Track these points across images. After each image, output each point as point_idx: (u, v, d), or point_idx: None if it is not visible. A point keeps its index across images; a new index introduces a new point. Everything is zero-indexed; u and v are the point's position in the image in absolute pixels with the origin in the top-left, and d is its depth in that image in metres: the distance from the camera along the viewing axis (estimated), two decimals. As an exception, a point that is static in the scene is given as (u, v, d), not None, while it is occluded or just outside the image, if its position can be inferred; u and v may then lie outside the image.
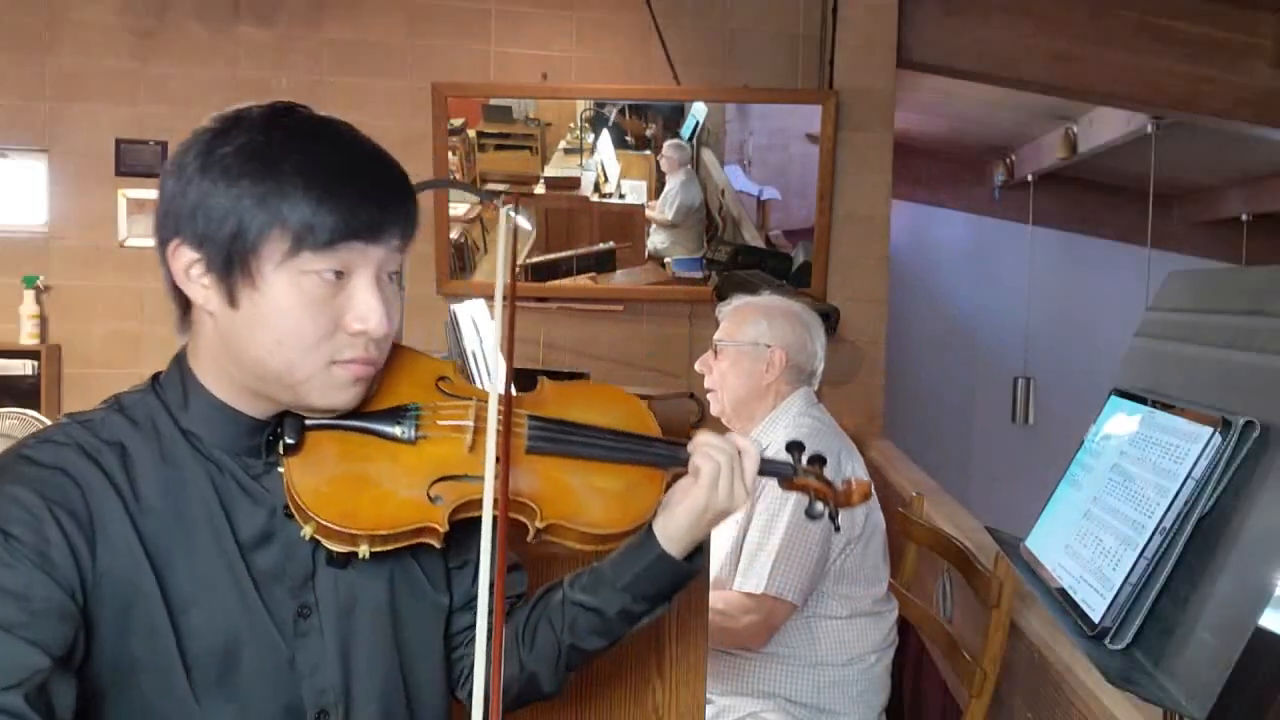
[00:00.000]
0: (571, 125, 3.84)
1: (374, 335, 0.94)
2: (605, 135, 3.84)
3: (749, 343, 2.13)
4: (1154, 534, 0.98)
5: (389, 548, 0.96)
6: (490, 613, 0.86)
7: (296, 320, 0.92)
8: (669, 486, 1.08)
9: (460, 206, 3.84)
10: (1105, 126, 4.86)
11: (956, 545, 2.06)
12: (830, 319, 3.56)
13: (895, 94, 3.87)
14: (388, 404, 1.01)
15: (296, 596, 0.98)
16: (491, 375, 1.85)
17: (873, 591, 2.05)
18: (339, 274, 0.93)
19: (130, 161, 3.73)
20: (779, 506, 1.93)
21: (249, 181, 0.90)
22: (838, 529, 1.23)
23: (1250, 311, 1.04)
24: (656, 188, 3.87)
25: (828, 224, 3.85)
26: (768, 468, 1.10)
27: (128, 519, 0.91)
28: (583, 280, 3.89)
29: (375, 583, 1.02)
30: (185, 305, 0.97)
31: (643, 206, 3.87)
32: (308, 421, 0.98)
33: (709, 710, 1.76)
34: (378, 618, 1.02)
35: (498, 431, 0.98)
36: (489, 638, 0.85)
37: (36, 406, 3.40)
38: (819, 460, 1.15)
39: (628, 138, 3.84)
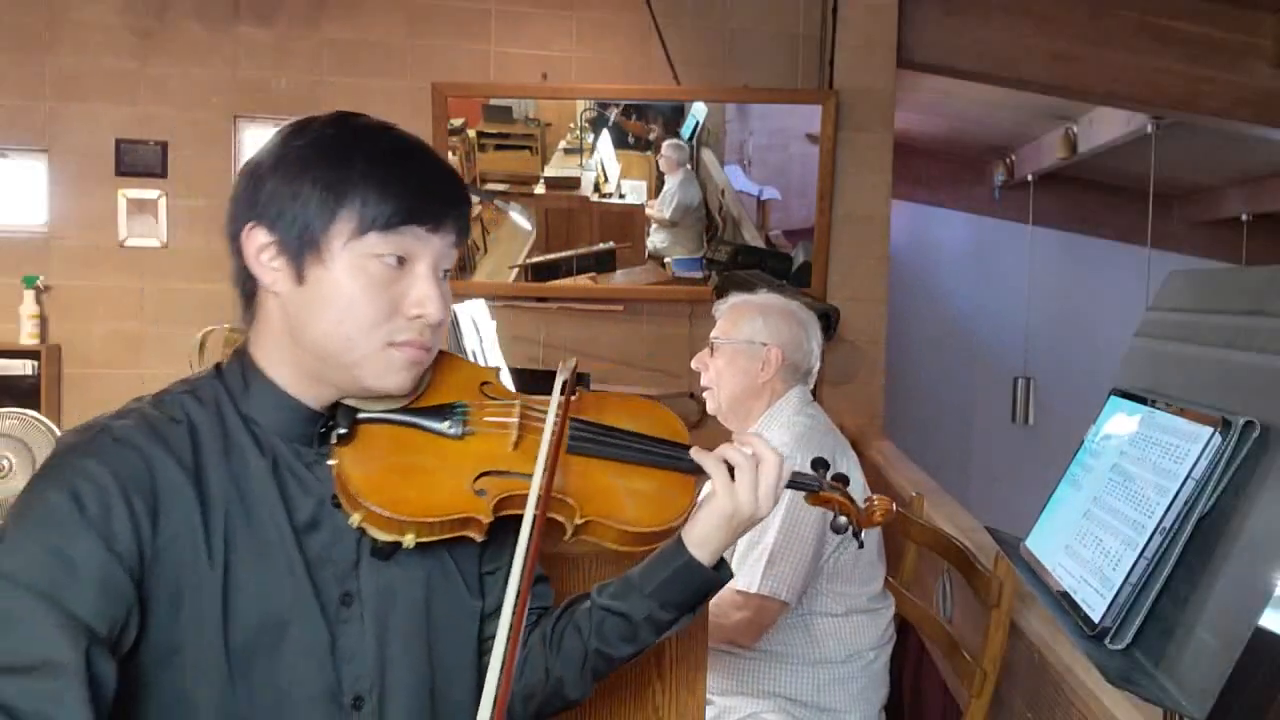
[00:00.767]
0: (571, 125, 3.84)
1: (430, 320, 1.00)
2: (605, 135, 3.84)
3: (745, 341, 2.13)
4: (1154, 534, 0.98)
5: (433, 538, 0.99)
6: (517, 594, 0.88)
7: (358, 300, 0.97)
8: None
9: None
10: (1105, 126, 4.87)
11: (956, 545, 2.06)
12: (830, 319, 3.56)
13: (895, 94, 3.87)
14: (435, 403, 1.06)
15: (340, 584, 1.01)
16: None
17: (868, 589, 2.06)
18: (400, 261, 0.98)
19: (130, 161, 3.73)
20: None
21: (321, 168, 0.97)
22: (861, 545, 1.26)
23: (1250, 311, 1.03)
24: (656, 187, 3.87)
25: (828, 224, 3.86)
26: (795, 481, 1.13)
27: (192, 496, 0.95)
28: (583, 280, 3.89)
29: (413, 581, 1.05)
30: (249, 296, 1.03)
31: (643, 206, 3.87)
32: (360, 415, 1.03)
33: (709, 711, 1.76)
34: (413, 614, 1.05)
35: (553, 431, 1.02)
36: (509, 632, 0.86)
37: (36, 406, 3.40)
38: (843, 479, 1.19)
39: (630, 138, 3.84)
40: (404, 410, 1.04)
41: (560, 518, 1.04)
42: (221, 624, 0.94)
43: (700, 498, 1.10)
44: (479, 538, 1.01)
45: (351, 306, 0.97)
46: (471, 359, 2.10)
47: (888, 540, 2.26)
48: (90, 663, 0.83)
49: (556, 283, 3.88)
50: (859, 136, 3.85)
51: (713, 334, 2.20)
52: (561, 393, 1.08)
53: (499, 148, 3.84)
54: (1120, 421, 1.20)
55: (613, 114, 3.83)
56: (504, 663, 0.83)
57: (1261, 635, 0.90)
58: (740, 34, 3.90)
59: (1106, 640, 0.99)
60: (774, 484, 1.07)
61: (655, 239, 3.89)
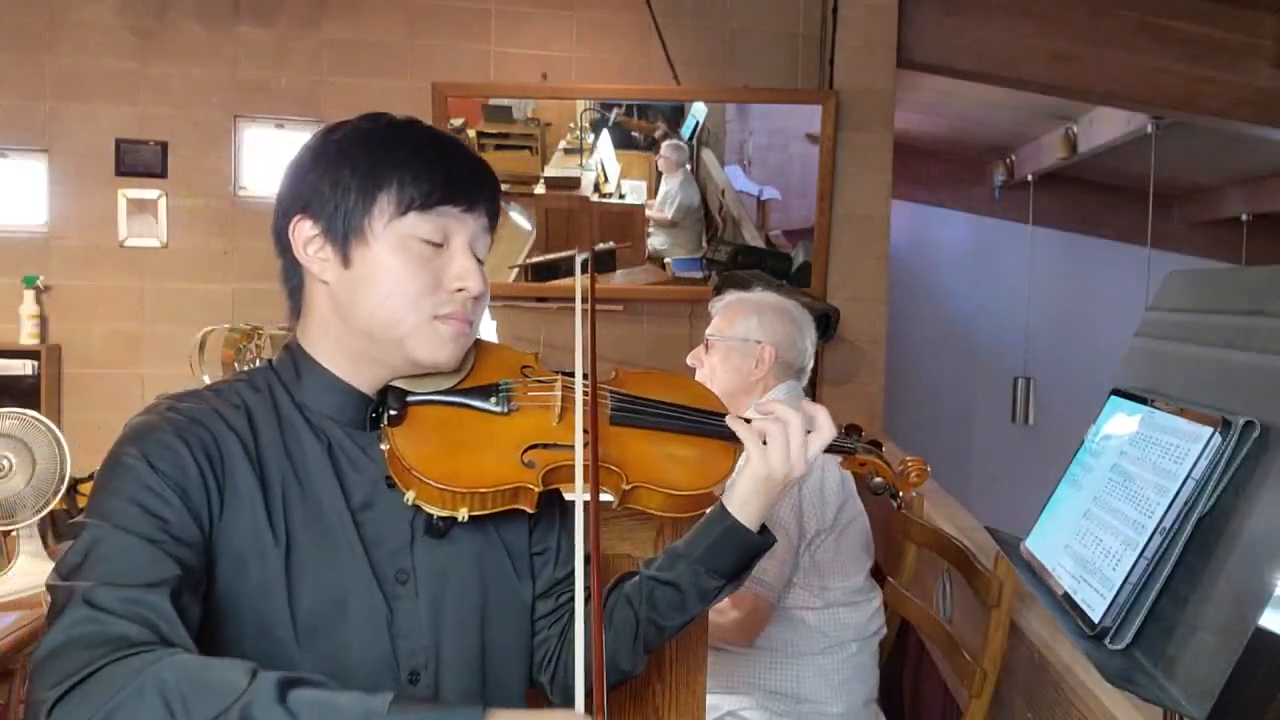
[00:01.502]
0: (571, 125, 3.84)
1: (471, 293, 1.06)
2: (605, 135, 3.84)
3: (739, 338, 2.14)
4: (1154, 534, 0.98)
5: (487, 510, 1.03)
6: (586, 574, 0.92)
7: (402, 275, 1.03)
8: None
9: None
10: (1105, 126, 4.87)
11: (956, 545, 2.06)
12: (830, 319, 3.56)
13: (895, 94, 3.87)
14: (480, 384, 1.12)
15: (395, 562, 1.05)
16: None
17: (848, 583, 2.06)
18: (439, 245, 1.05)
19: (130, 161, 3.72)
20: None
21: (361, 157, 1.04)
22: (898, 506, 1.32)
23: (1250, 311, 1.03)
24: (656, 187, 3.87)
25: (828, 224, 3.85)
26: (833, 446, 1.18)
27: (252, 473, 1.00)
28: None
29: (466, 561, 1.09)
30: (295, 291, 1.10)
31: (643, 206, 3.87)
32: (409, 397, 1.07)
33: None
34: (466, 592, 1.09)
35: (584, 402, 1.07)
36: (586, 601, 0.90)
37: (36, 406, 3.40)
38: (876, 444, 1.26)
39: (634, 134, 3.84)
40: (451, 391, 1.09)
41: (608, 486, 1.08)
42: (286, 597, 0.99)
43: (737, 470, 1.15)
44: (530, 509, 1.05)
45: (398, 282, 1.03)
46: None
47: (888, 540, 2.26)
48: (176, 595, 0.89)
49: (556, 283, 3.88)
50: (859, 136, 3.85)
51: (708, 330, 2.21)
52: (584, 271, 1.15)
53: (499, 148, 3.84)
54: (1120, 421, 1.20)
55: (615, 114, 3.83)
56: (588, 659, 0.87)
57: (1261, 635, 0.89)
58: (740, 34, 3.90)
59: (1106, 640, 0.99)
60: (801, 443, 1.12)
61: (655, 239, 3.89)
